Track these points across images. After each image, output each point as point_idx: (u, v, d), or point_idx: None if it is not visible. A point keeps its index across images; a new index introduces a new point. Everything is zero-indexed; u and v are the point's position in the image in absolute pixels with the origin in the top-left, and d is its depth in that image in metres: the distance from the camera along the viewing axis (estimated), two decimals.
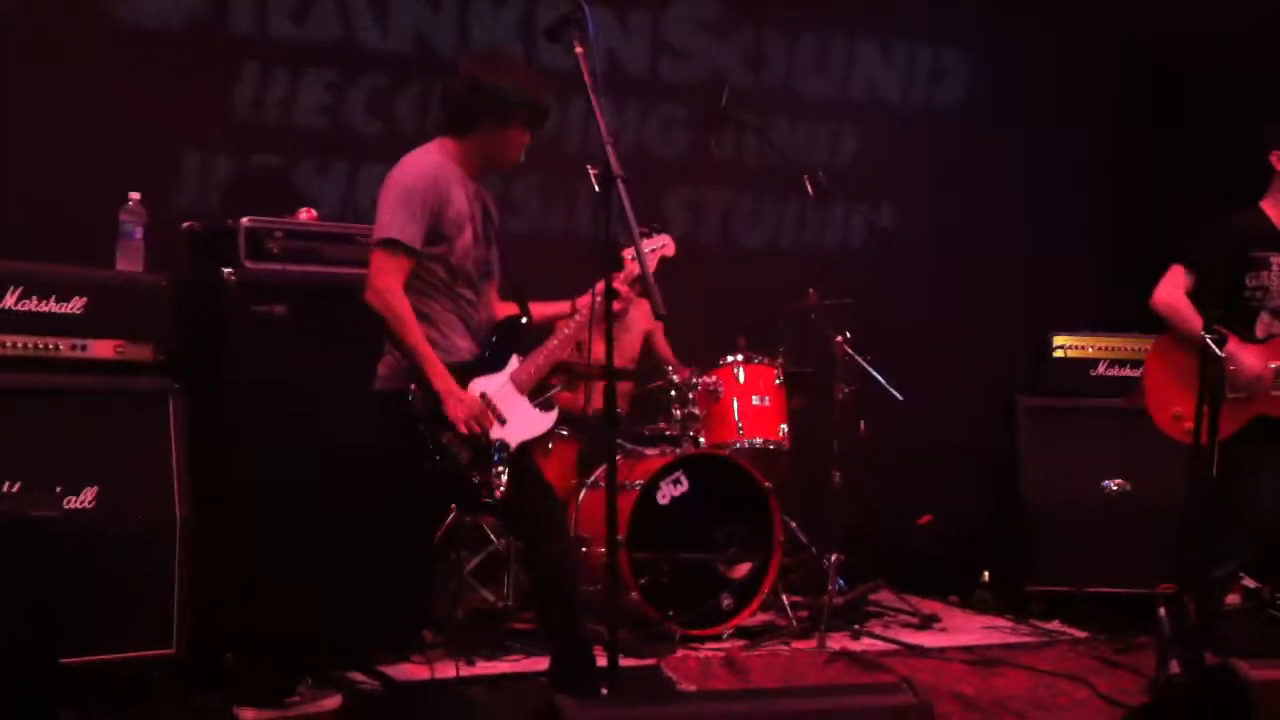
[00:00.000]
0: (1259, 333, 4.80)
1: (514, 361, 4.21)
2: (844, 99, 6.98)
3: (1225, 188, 4.98)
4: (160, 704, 4.21)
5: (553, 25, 3.84)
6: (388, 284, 3.95)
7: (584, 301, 4.38)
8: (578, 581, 4.16)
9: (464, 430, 3.96)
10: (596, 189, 3.85)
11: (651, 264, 4.30)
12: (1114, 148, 7.23)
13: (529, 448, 4.20)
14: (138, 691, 4.23)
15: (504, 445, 4.06)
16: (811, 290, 5.83)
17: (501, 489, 4.02)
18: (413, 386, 3.97)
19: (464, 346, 4.11)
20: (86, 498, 4.25)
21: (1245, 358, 4.71)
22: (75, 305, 4.37)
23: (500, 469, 4.03)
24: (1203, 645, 4.38)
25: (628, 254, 4.20)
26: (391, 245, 3.97)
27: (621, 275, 4.28)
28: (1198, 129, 6.66)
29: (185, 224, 4.97)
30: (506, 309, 4.30)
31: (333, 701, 4.21)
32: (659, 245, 4.58)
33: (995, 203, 7.01)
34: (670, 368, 5.69)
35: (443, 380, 3.97)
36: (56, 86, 5.27)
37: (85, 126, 5.29)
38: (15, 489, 4.12)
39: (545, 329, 4.48)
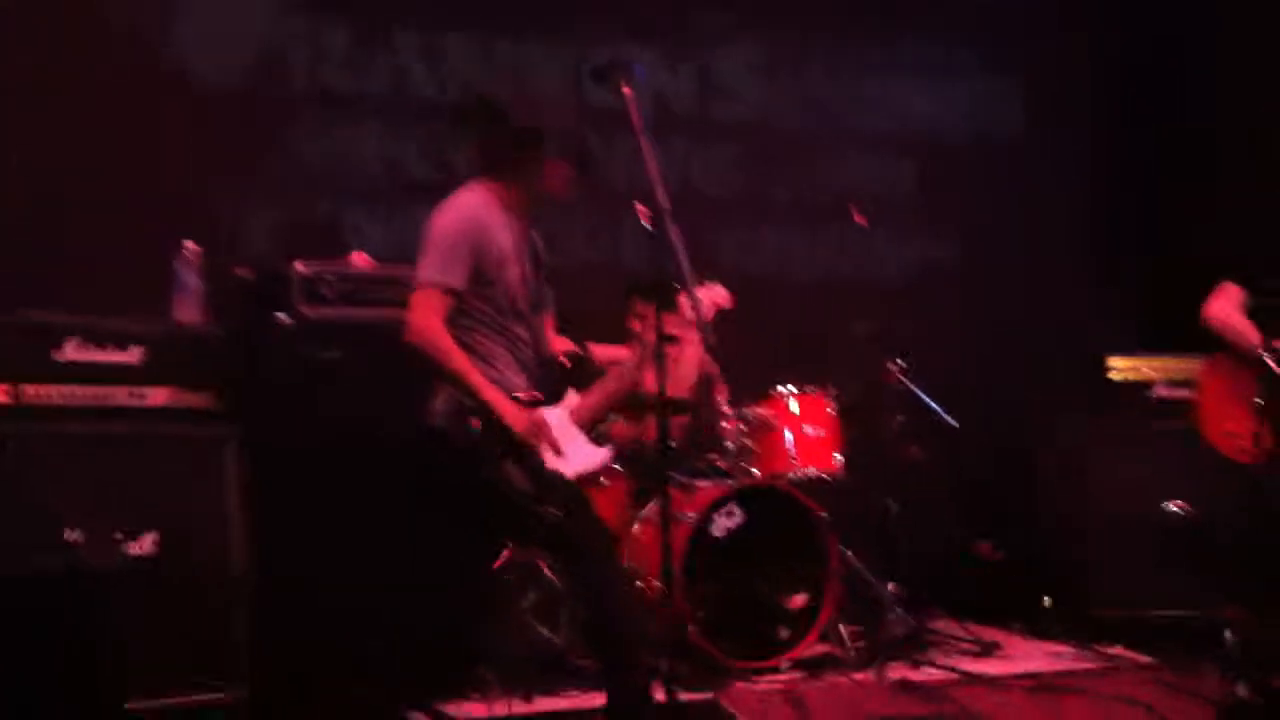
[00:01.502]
0: None
1: (571, 396, 4.24)
2: (897, 131, 6.98)
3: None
4: None
5: (598, 68, 3.90)
6: (425, 321, 3.99)
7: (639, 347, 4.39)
8: (631, 617, 4.16)
9: (528, 448, 3.98)
10: (649, 228, 3.88)
11: (709, 313, 4.31)
12: (1160, 159, 7.15)
13: (584, 483, 4.21)
14: None
15: (560, 477, 4.08)
16: (865, 319, 5.82)
17: (559, 520, 4.04)
18: (472, 421, 3.99)
19: (517, 382, 4.14)
20: (147, 544, 4.31)
21: None
22: (133, 354, 4.45)
23: (558, 501, 4.05)
24: (1271, 669, 4.32)
25: (684, 300, 4.20)
26: (430, 285, 4.02)
27: (676, 317, 4.29)
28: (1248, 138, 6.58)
29: (239, 271, 5.04)
30: (564, 345, 4.34)
31: None
32: (715, 295, 4.55)
33: (1048, 225, 6.97)
34: (721, 401, 5.68)
35: (496, 396, 3.99)
36: (116, 137, 5.37)
37: (144, 178, 5.38)
38: (77, 536, 4.19)
39: (605, 368, 4.50)
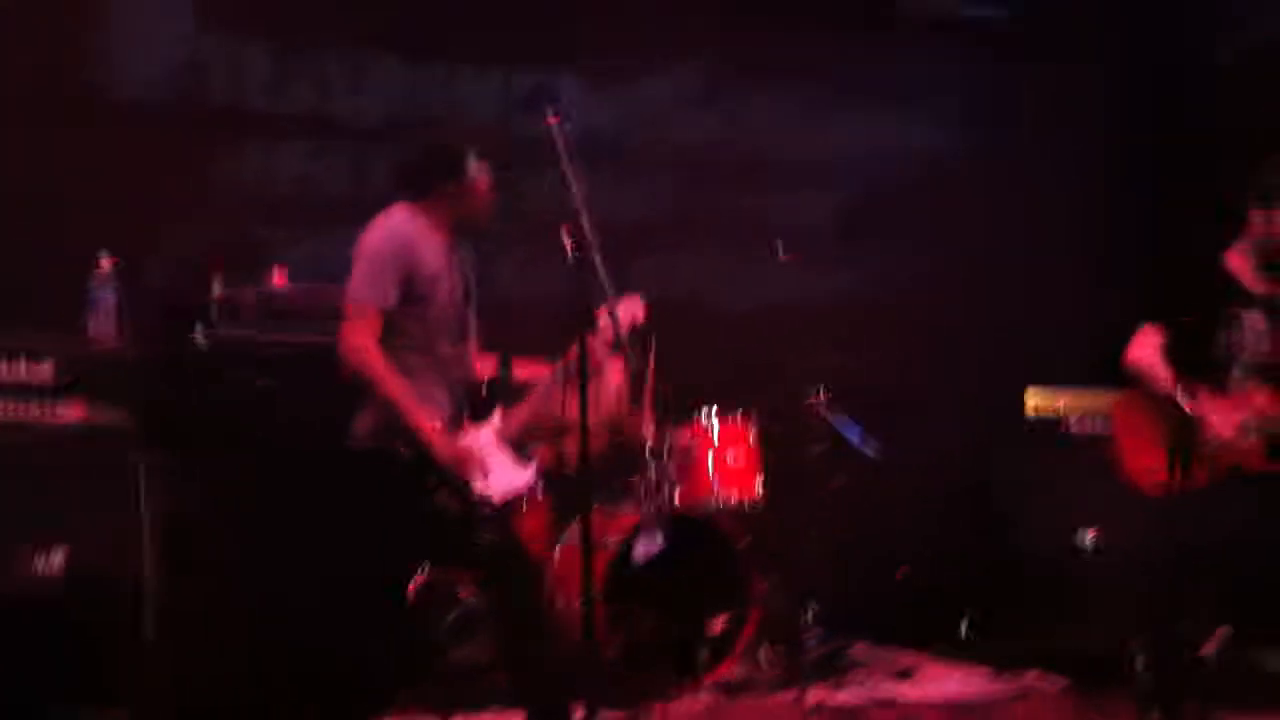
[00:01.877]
0: (1232, 388, 4.82)
1: (497, 416, 4.24)
2: (821, 159, 7.04)
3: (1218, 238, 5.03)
4: None
5: (527, 95, 3.93)
6: (360, 341, 4.00)
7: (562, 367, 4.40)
8: (552, 640, 4.15)
9: (455, 475, 3.96)
10: (570, 255, 3.90)
11: (623, 326, 4.33)
12: (1102, 199, 7.28)
13: (509, 505, 4.20)
14: None
15: (487, 500, 4.07)
16: (787, 348, 5.86)
17: (487, 543, 4.02)
18: (399, 444, 3.97)
19: (443, 400, 4.14)
20: (55, 562, 4.23)
21: (1214, 419, 4.71)
22: (45, 369, 4.37)
23: (485, 524, 4.04)
24: (1182, 696, 4.38)
25: (602, 317, 4.22)
26: (361, 305, 4.02)
27: (596, 336, 4.30)
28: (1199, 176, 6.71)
29: (157, 289, 4.98)
30: (487, 365, 4.34)
31: None
32: (630, 308, 4.58)
33: (970, 258, 7.05)
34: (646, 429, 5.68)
35: (425, 423, 3.99)
36: (31, 151, 5.28)
37: (60, 193, 5.29)
38: None
39: (527, 386, 4.50)
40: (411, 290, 4.07)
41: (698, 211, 6.77)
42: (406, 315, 4.07)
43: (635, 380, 5.57)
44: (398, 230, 4.12)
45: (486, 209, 4.27)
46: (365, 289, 4.03)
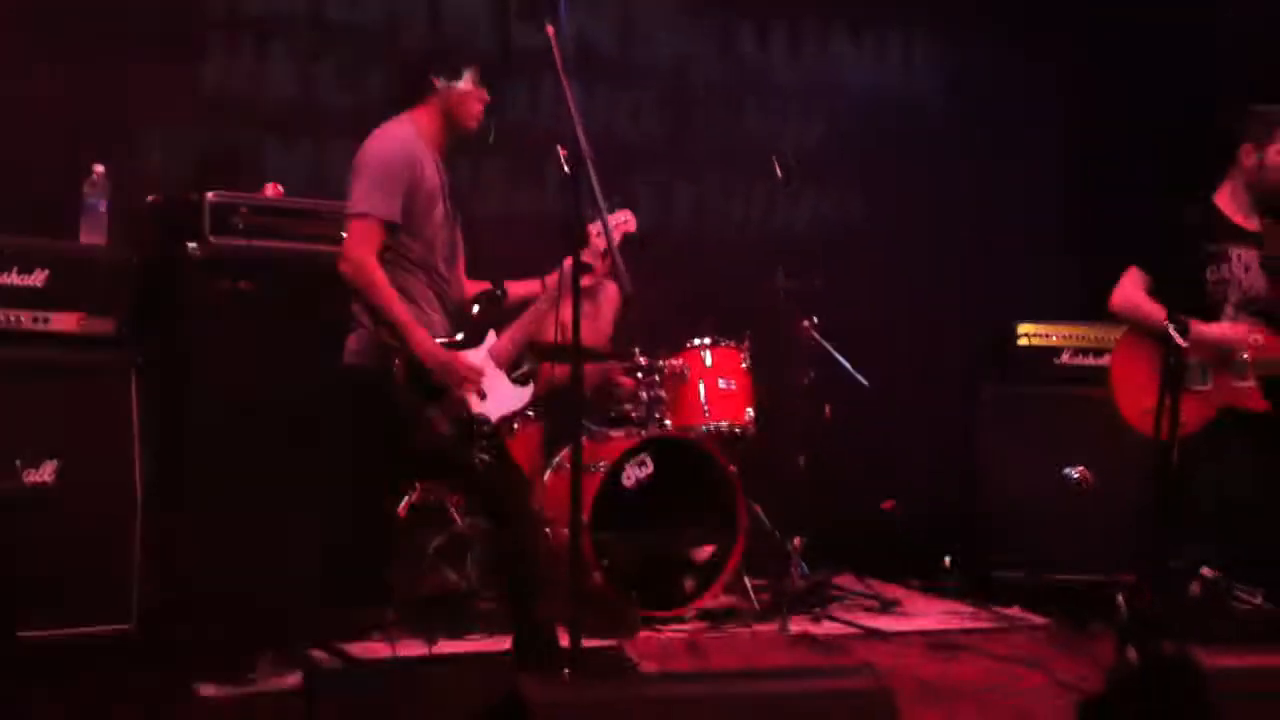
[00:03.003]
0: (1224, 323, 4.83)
1: (491, 336, 4.22)
2: (814, 85, 6.96)
3: (1192, 175, 5.01)
4: (118, 679, 4.17)
5: (524, 3, 3.85)
6: (362, 254, 3.95)
7: (554, 279, 4.37)
8: (541, 562, 4.16)
9: (453, 391, 3.94)
10: (566, 169, 3.85)
11: (615, 238, 4.30)
12: (1085, 135, 7.22)
13: (502, 426, 4.19)
14: (95, 666, 4.20)
15: (485, 419, 4.05)
16: (779, 273, 5.83)
17: (481, 463, 4.02)
18: (395, 362, 3.94)
19: (439, 322, 4.11)
20: (46, 471, 4.22)
21: (1210, 328, 4.72)
22: (38, 278, 4.35)
23: (482, 443, 4.03)
24: (1161, 634, 4.41)
25: (594, 229, 4.19)
26: (365, 216, 3.97)
27: (588, 250, 4.27)
28: (1166, 115, 6.66)
29: (150, 198, 4.92)
30: (478, 286, 4.31)
31: (293, 678, 4.21)
32: (621, 220, 4.55)
33: (964, 191, 7.01)
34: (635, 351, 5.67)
35: (426, 343, 3.96)
36: (18, 57, 5.18)
37: (49, 98, 5.21)
38: None
39: (519, 306, 4.47)
40: (412, 206, 4.02)
41: (692, 134, 6.70)
42: (405, 232, 4.03)
43: (629, 304, 5.56)
44: (403, 143, 4.07)
45: (478, 117, 4.21)
46: (369, 200, 3.97)
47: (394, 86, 4.29)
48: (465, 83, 4.16)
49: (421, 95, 4.17)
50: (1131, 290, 4.89)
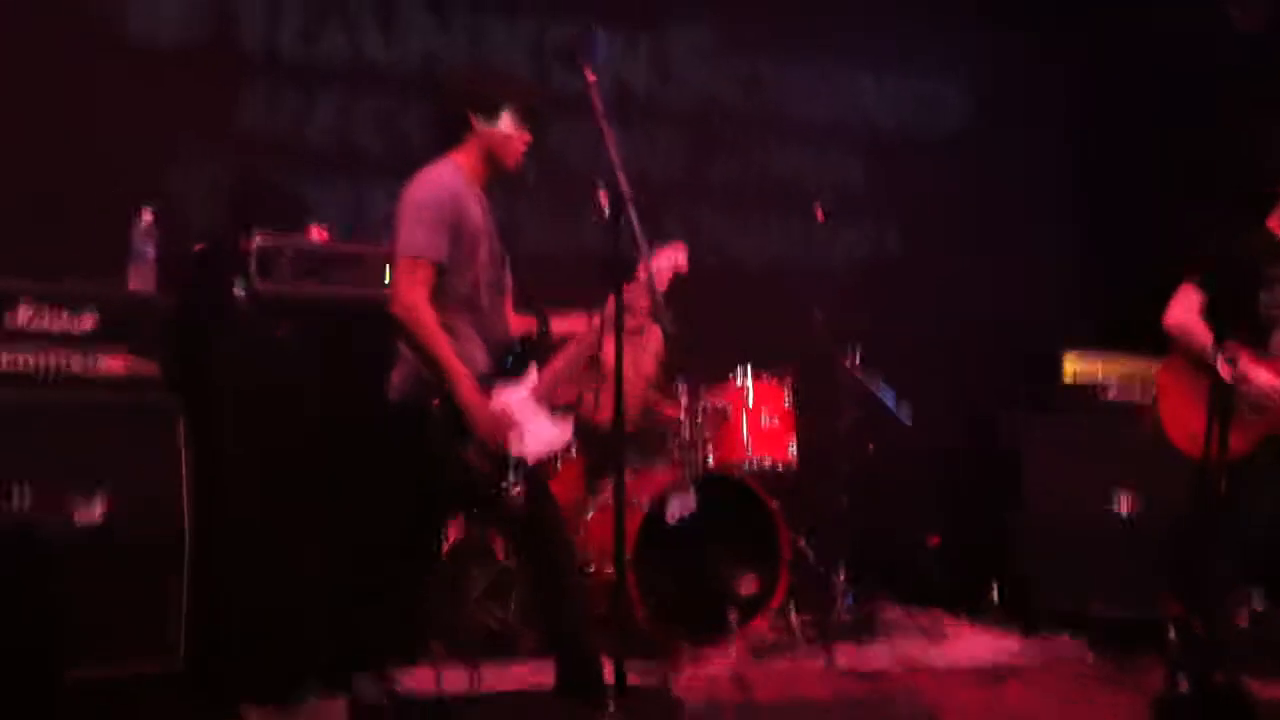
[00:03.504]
0: (1274, 349, 4.79)
1: (533, 373, 4.23)
2: (845, 123, 7.00)
3: (1222, 193, 4.98)
4: (165, 714, 4.21)
5: (562, 45, 3.88)
6: (414, 298, 3.95)
7: (598, 318, 4.38)
8: (584, 598, 4.17)
9: (490, 444, 3.99)
10: (605, 211, 3.87)
11: (664, 279, 4.34)
12: (1112, 158, 7.20)
13: (542, 463, 4.21)
14: (142, 703, 4.24)
15: (522, 460, 4.07)
16: (816, 310, 5.84)
17: (518, 502, 4.03)
18: (435, 401, 3.97)
19: (481, 359, 4.13)
20: (95, 511, 4.28)
21: (1260, 374, 4.69)
22: (87, 321, 4.41)
23: (517, 483, 4.04)
24: (1211, 664, 4.37)
25: (641, 270, 4.20)
26: (415, 260, 3.98)
27: (636, 285, 4.28)
28: (1196, 132, 6.63)
29: (197, 246, 4.99)
30: (523, 323, 4.33)
31: (338, 706, 4.23)
32: (669, 260, 4.55)
33: (1002, 220, 7.01)
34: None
35: (471, 395, 3.97)
36: (65, 99, 5.28)
37: (93, 140, 5.30)
38: (25, 501, 4.15)
39: (562, 341, 4.49)
40: (457, 245, 4.04)
41: (724, 168, 6.73)
42: (451, 271, 4.05)
43: (671, 345, 5.58)
44: (446, 183, 4.09)
45: (519, 157, 4.25)
46: (418, 242, 3.98)
47: (434, 127, 4.30)
48: (505, 123, 4.20)
49: (461, 136, 4.20)
50: (1185, 311, 4.85)
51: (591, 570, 5.20)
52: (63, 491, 4.21)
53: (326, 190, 5.87)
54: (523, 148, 4.24)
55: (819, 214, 5.90)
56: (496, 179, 4.28)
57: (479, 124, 4.17)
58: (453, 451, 3.97)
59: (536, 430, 4.13)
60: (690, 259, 4.40)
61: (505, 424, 4.03)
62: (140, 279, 4.70)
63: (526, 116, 4.21)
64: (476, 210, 4.12)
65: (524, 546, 4.33)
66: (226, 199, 5.62)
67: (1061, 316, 6.79)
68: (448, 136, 4.23)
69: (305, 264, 4.83)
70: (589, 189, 4.02)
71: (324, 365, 4.73)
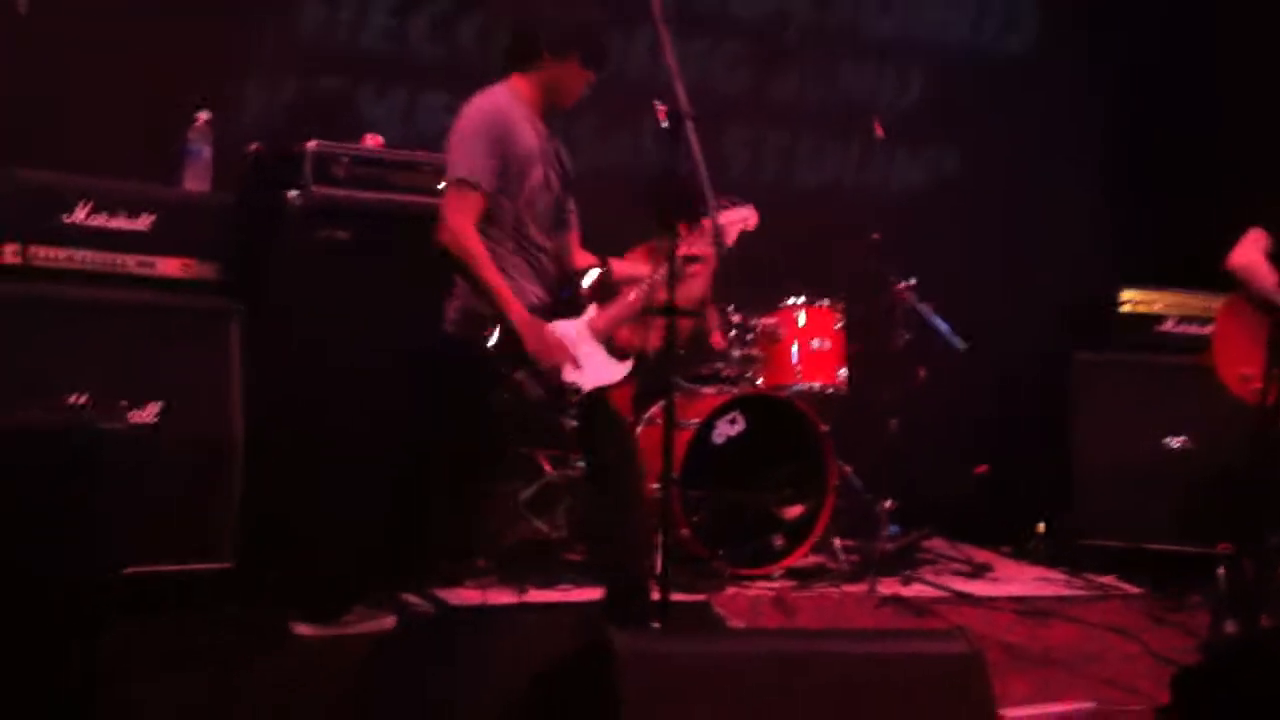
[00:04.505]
0: None
1: (592, 309, 4.22)
2: (910, 40, 6.84)
3: None
4: (215, 616, 4.27)
5: None
6: (461, 223, 3.94)
7: (661, 270, 4.34)
8: (645, 517, 4.16)
9: (542, 364, 3.97)
10: (664, 126, 3.81)
11: (732, 235, 4.30)
12: (1177, 92, 7.04)
13: (603, 392, 4.19)
14: (193, 603, 4.30)
15: (577, 389, 4.06)
16: (874, 234, 5.77)
17: (570, 429, 4.03)
18: (486, 331, 3.95)
19: (531, 291, 4.10)
20: (149, 412, 4.31)
21: None
22: (144, 222, 4.42)
23: (571, 411, 4.04)
24: (1259, 608, 4.34)
25: (706, 223, 4.14)
26: (463, 184, 3.97)
27: (700, 236, 4.24)
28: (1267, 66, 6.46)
29: (251, 146, 4.98)
30: (588, 259, 4.31)
31: (387, 622, 4.27)
32: (740, 218, 4.50)
33: (1067, 149, 6.87)
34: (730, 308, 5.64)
35: (519, 315, 3.96)
36: (122, 4, 5.24)
37: (151, 44, 5.25)
38: (82, 401, 4.18)
39: (623, 283, 4.45)
40: (506, 172, 4.01)
41: (787, 85, 6.61)
42: (504, 199, 4.02)
43: (723, 263, 5.54)
44: (500, 107, 4.06)
45: (579, 96, 4.20)
46: (467, 169, 3.96)
47: (503, 45, 4.23)
48: (574, 63, 4.14)
49: (528, 63, 4.14)
50: (1252, 251, 4.77)
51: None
52: (117, 391, 4.24)
53: (380, 99, 5.80)
54: (584, 88, 4.19)
55: (878, 131, 5.80)
56: (553, 111, 4.23)
57: (549, 57, 4.11)
58: (507, 377, 3.96)
59: (592, 362, 4.12)
60: (746, 177, 4.33)
61: (557, 347, 4.02)
62: (196, 179, 4.70)
63: (596, 58, 4.16)
64: (530, 137, 4.08)
65: (594, 473, 4.31)
66: (279, 104, 5.58)
67: (1120, 250, 6.66)
68: (514, 58, 4.17)
69: (361, 170, 4.81)
70: (644, 101, 3.95)
71: (380, 272, 4.71)
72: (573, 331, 4.12)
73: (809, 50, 6.58)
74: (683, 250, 4.16)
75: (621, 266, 4.43)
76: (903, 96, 6.80)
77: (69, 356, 4.20)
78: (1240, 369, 4.73)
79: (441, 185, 4.10)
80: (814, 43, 6.61)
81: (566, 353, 4.05)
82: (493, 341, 3.95)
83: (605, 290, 4.28)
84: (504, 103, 4.09)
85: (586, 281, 4.25)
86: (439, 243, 3.96)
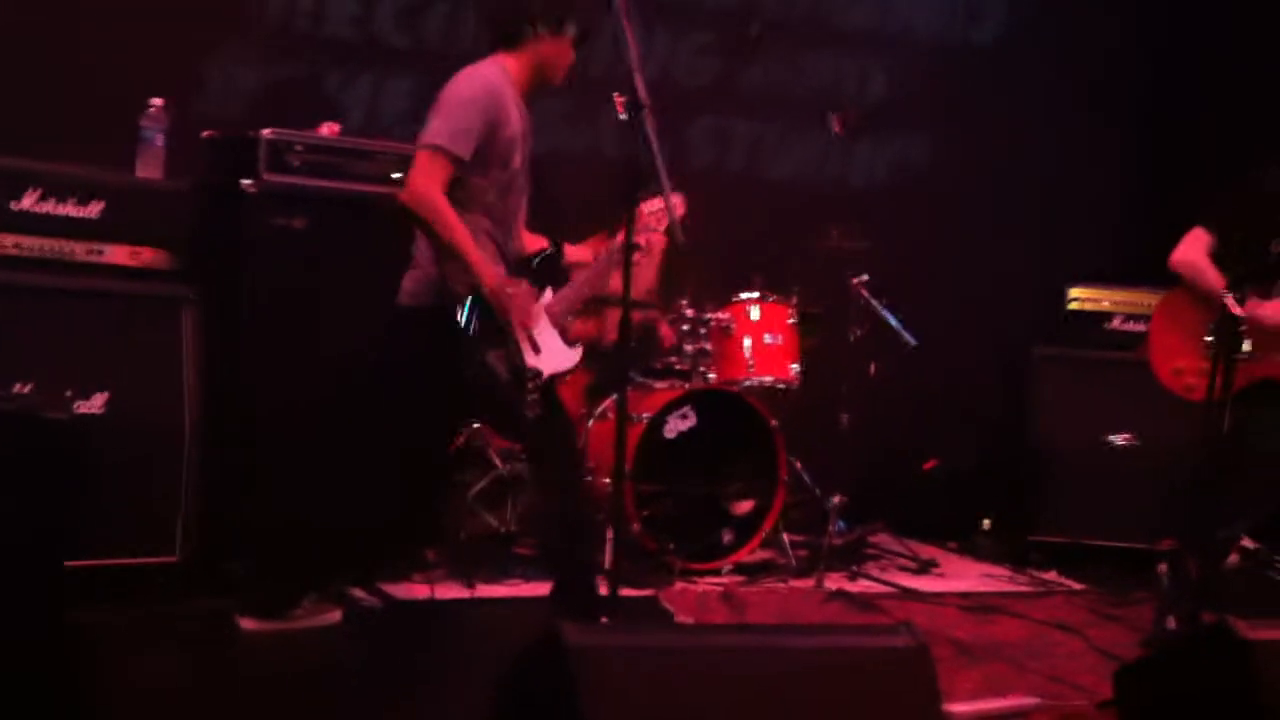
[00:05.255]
0: (1277, 294, 4.76)
1: (547, 294, 4.20)
2: (875, 31, 6.86)
3: (1257, 139, 4.91)
4: (163, 609, 4.24)
5: None
6: (426, 185, 3.87)
7: (606, 253, 4.33)
8: (587, 512, 4.17)
9: (519, 330, 3.96)
10: (622, 117, 3.81)
11: (660, 223, 4.28)
12: (1149, 97, 7.12)
13: (554, 380, 4.19)
14: (141, 596, 4.27)
15: (537, 373, 4.04)
16: (832, 229, 5.79)
17: (534, 413, 4.02)
18: (458, 307, 3.93)
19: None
20: (97, 402, 4.27)
21: (1266, 309, 4.67)
22: (93, 209, 4.37)
23: (534, 394, 4.03)
24: (1201, 603, 4.39)
25: (647, 208, 4.14)
26: (436, 150, 3.90)
27: (641, 226, 4.23)
28: (1236, 77, 6.53)
29: (205, 133, 4.94)
30: (536, 241, 4.29)
31: (334, 616, 4.26)
32: (661, 207, 4.46)
33: (1021, 147, 6.91)
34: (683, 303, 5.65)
35: (494, 278, 3.93)
36: None
37: (110, 29, 5.20)
38: (27, 390, 4.13)
39: (572, 269, 4.44)
40: (490, 150, 3.96)
41: (752, 77, 6.62)
42: (481, 175, 3.97)
43: (680, 257, 5.55)
44: (492, 83, 4.00)
45: (564, 75, 4.18)
46: (443, 136, 3.89)
47: (489, 24, 4.19)
48: (564, 40, 4.12)
49: (517, 40, 4.10)
50: (1194, 250, 4.82)
51: (589, 482, 5.20)
52: (64, 380, 4.19)
53: (345, 86, 5.76)
54: (570, 66, 4.18)
55: (837, 127, 5.83)
56: (537, 91, 4.21)
57: (541, 33, 4.09)
58: (474, 352, 3.93)
59: (549, 347, 4.11)
60: (710, 168, 4.29)
61: (526, 305, 4.00)
62: (148, 167, 4.65)
63: (582, 37, 4.15)
64: (516, 117, 4.05)
65: (534, 457, 4.31)
66: (239, 92, 5.53)
67: (1080, 250, 6.72)
68: (502, 37, 4.15)
69: (316, 158, 4.78)
70: (605, 91, 3.94)
71: (337, 261, 4.69)
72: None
73: (777, 41, 6.58)
74: (620, 239, 4.14)
75: (573, 251, 4.42)
76: (866, 88, 6.81)
77: (14, 345, 4.14)
78: (1173, 363, 4.79)
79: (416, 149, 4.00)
80: (779, 33, 6.61)
81: (531, 320, 4.03)
82: (467, 322, 3.91)
83: (556, 272, 4.27)
84: (497, 79, 4.03)
85: (536, 263, 4.24)
86: (400, 203, 3.90)
